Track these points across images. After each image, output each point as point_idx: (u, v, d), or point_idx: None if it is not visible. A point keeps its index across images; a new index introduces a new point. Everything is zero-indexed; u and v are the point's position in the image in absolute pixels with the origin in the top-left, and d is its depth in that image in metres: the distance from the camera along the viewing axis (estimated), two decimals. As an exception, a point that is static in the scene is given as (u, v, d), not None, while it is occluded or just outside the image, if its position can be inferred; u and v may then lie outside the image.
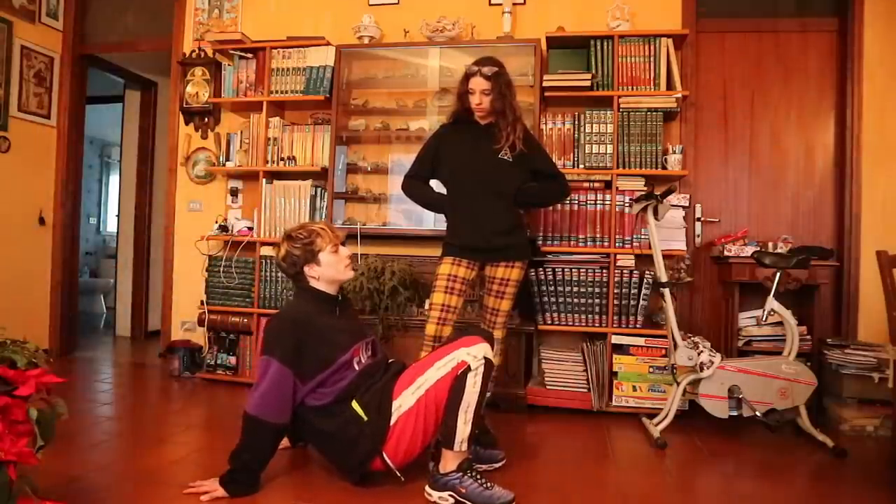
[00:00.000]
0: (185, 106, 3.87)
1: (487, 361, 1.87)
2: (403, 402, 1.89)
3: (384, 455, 1.88)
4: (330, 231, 2.08)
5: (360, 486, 1.93)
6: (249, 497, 1.84)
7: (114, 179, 7.28)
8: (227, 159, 3.67)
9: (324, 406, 1.92)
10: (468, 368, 1.84)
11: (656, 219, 2.67)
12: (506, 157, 2.33)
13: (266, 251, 3.37)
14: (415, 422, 1.87)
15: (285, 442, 2.27)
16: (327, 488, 1.94)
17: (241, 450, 1.85)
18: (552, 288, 3.03)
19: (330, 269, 2.04)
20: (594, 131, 3.10)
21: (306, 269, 2.03)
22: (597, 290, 3.01)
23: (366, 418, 1.88)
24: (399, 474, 1.91)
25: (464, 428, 1.83)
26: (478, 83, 2.28)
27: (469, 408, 1.83)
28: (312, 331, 1.93)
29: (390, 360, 2.13)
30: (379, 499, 1.87)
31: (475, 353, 1.86)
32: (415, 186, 2.51)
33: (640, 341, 2.94)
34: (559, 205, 3.07)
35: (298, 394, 1.90)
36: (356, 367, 1.97)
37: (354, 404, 1.91)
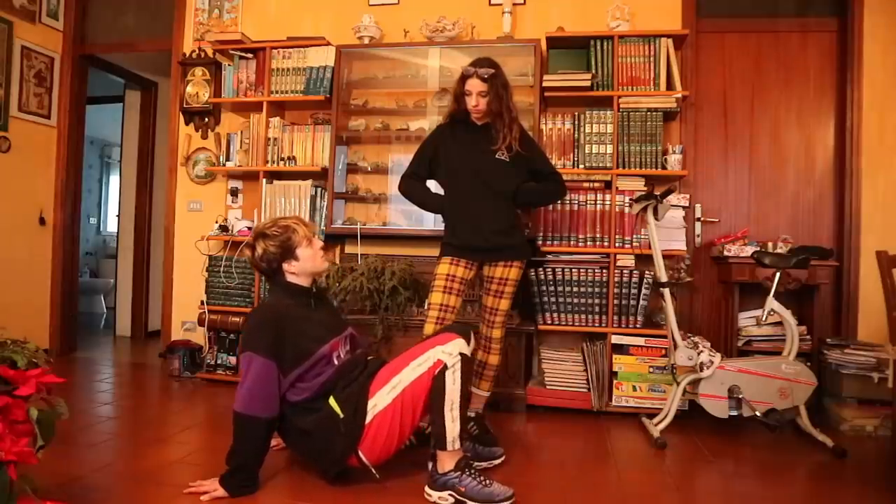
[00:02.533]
0: (185, 106, 3.87)
1: (463, 357, 1.87)
2: (379, 401, 1.89)
3: (360, 453, 1.88)
4: (303, 224, 2.08)
5: (337, 485, 1.93)
6: (250, 496, 1.84)
7: (114, 179, 7.29)
8: (228, 159, 3.68)
9: (302, 401, 1.92)
10: (445, 367, 1.84)
11: (656, 219, 2.67)
12: (503, 158, 2.33)
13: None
14: (391, 421, 1.87)
15: (280, 441, 2.28)
16: (326, 488, 1.93)
17: (236, 449, 1.86)
18: (552, 288, 3.03)
19: (308, 263, 2.05)
20: (594, 131, 3.10)
21: (284, 265, 2.04)
22: (597, 290, 3.01)
23: (342, 415, 1.89)
24: (374, 472, 1.91)
25: (452, 426, 1.83)
26: (474, 85, 2.28)
27: (454, 405, 1.84)
28: (291, 323, 1.93)
29: (370, 357, 2.13)
30: (379, 499, 1.87)
31: (450, 351, 1.86)
32: (412, 186, 2.51)
33: (640, 341, 2.94)
34: (559, 205, 3.07)
35: (281, 387, 1.90)
36: (335, 362, 1.97)
37: (332, 401, 1.91)
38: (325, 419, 1.89)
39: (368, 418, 1.87)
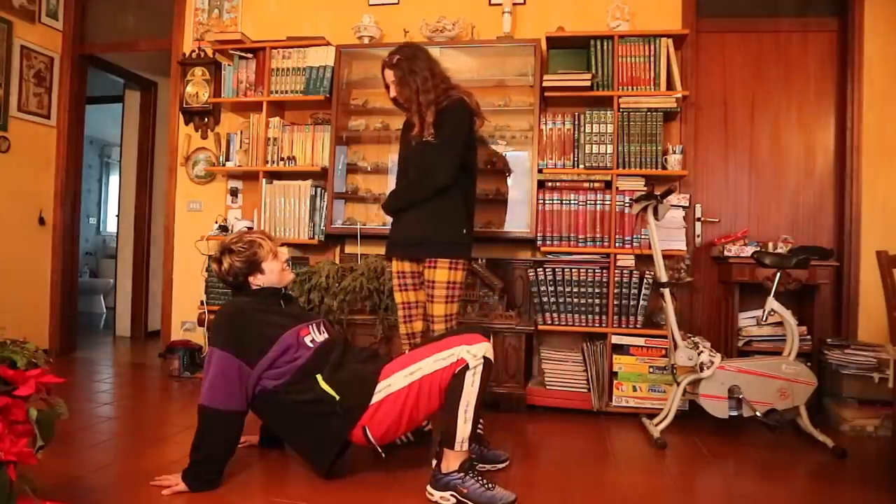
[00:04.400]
0: (185, 106, 3.87)
1: (487, 361, 1.87)
2: (394, 382, 1.90)
3: (366, 429, 1.89)
4: (268, 239, 2.13)
5: (330, 479, 1.94)
6: (219, 494, 1.85)
7: (114, 179, 7.28)
8: (227, 159, 3.67)
9: (283, 386, 1.93)
10: (466, 367, 1.84)
11: (656, 219, 2.67)
12: (428, 144, 2.23)
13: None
14: (403, 403, 1.88)
15: (253, 439, 2.29)
16: (309, 486, 1.93)
17: (199, 441, 1.87)
18: (552, 288, 3.02)
19: (274, 276, 2.10)
20: (594, 131, 3.10)
21: (250, 278, 2.09)
22: (597, 290, 3.00)
23: (338, 397, 1.90)
24: (380, 450, 1.93)
25: (464, 427, 1.83)
26: (387, 75, 2.30)
27: (468, 406, 1.83)
28: (251, 314, 1.97)
29: (370, 345, 2.15)
30: (379, 499, 1.87)
31: (475, 352, 1.86)
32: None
33: (640, 341, 2.94)
34: (559, 205, 3.07)
35: (251, 378, 1.91)
36: (310, 346, 1.99)
37: (321, 381, 1.92)
38: (317, 401, 1.90)
39: (379, 397, 1.89)
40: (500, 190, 3.28)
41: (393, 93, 2.32)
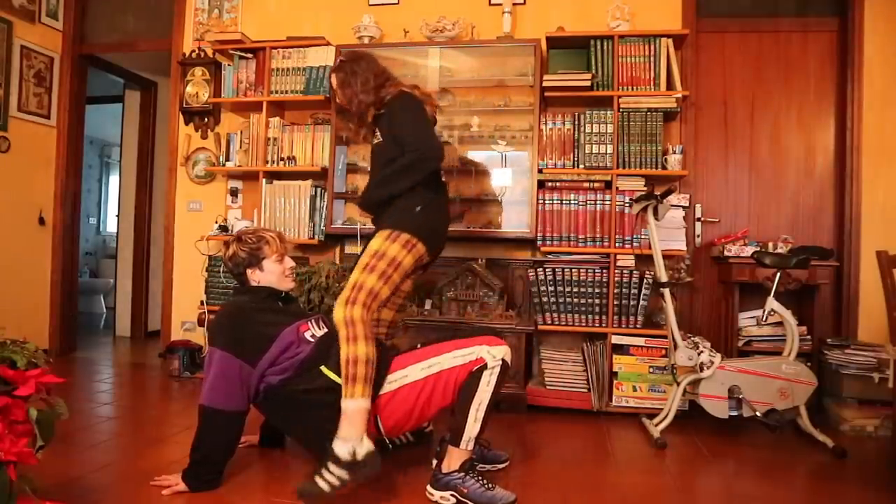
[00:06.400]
0: (185, 106, 3.87)
1: (504, 364, 1.88)
2: (411, 373, 1.90)
3: (378, 418, 1.89)
4: (279, 240, 2.13)
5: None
6: (219, 493, 1.85)
7: (114, 179, 7.29)
8: (227, 159, 3.67)
9: (287, 379, 1.93)
10: (485, 366, 1.85)
11: (656, 219, 2.67)
12: (378, 142, 2.26)
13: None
14: (417, 395, 1.89)
15: (253, 439, 2.29)
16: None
17: (199, 441, 1.87)
18: (552, 288, 3.02)
19: (271, 277, 2.10)
20: (594, 131, 3.10)
21: (248, 272, 2.09)
22: (597, 290, 3.00)
23: None
24: (388, 441, 1.93)
25: (473, 426, 1.83)
26: (333, 80, 2.31)
27: (481, 406, 1.84)
28: (250, 314, 1.97)
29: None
30: (379, 498, 1.87)
31: (495, 353, 1.87)
32: None
33: (640, 341, 2.94)
34: (559, 205, 3.07)
35: (253, 377, 1.91)
36: (310, 340, 1.99)
37: (325, 371, 1.92)
38: (324, 389, 1.90)
39: (393, 387, 1.90)
40: (487, 190, 3.29)
41: (338, 97, 2.32)
